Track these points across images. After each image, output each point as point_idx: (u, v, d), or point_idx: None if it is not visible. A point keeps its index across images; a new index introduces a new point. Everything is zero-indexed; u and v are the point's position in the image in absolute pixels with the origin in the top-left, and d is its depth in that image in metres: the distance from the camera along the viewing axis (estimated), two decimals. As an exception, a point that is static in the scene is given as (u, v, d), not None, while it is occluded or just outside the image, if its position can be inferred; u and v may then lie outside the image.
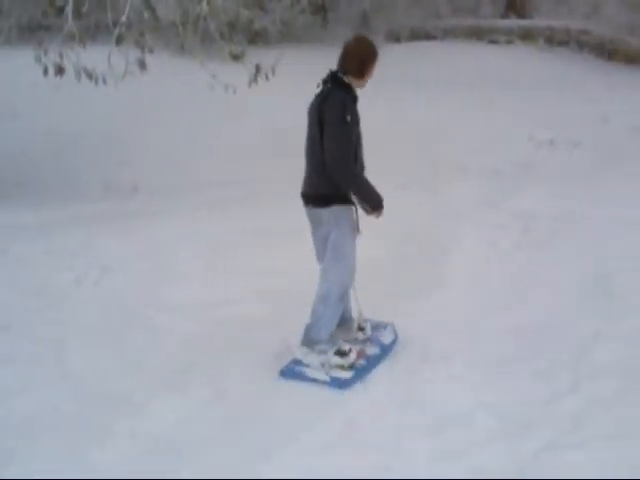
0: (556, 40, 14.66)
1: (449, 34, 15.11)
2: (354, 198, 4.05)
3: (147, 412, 3.98)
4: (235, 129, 9.92)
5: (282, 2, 14.29)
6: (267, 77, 7.00)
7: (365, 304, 4.58)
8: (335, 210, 4.03)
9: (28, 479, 3.43)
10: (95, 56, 6.74)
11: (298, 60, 11.68)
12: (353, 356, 4.18)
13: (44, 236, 6.78)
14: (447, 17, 16.12)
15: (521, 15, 15.85)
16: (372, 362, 4.28)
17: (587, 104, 10.76)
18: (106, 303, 5.40)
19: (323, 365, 4.13)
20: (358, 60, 4.05)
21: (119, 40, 6.66)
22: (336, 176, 3.93)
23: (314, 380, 4.11)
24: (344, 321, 4.43)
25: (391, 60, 13.22)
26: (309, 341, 4.21)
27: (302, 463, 3.53)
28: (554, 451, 3.55)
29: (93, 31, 11.33)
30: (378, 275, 5.56)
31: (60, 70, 6.69)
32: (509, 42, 14.76)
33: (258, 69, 6.95)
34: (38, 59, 6.69)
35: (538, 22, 15.42)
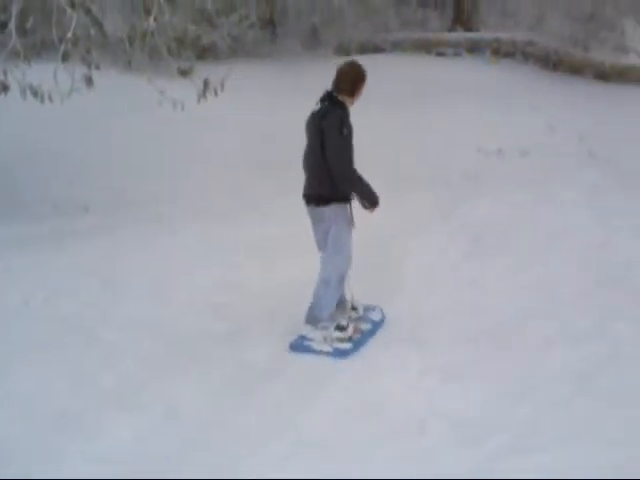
0: (502, 52, 14.92)
1: (398, 47, 15.27)
2: (354, 196, 4.72)
3: (100, 432, 3.92)
4: (184, 144, 9.86)
5: (231, 17, 14.30)
6: (216, 92, 6.96)
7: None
8: (334, 208, 4.69)
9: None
10: (41, 73, 6.65)
11: (248, 75, 11.71)
12: (350, 330, 4.83)
13: (-10, 256, 6.64)
14: (396, 30, 16.28)
15: (468, 28, 16.10)
16: (366, 336, 4.92)
17: (534, 114, 10.96)
18: (56, 322, 5.28)
19: (325, 339, 4.75)
20: (350, 82, 4.68)
21: (65, 57, 6.56)
22: (341, 179, 4.60)
23: (319, 352, 4.69)
24: (340, 302, 5.03)
25: (341, 73, 13.36)
26: (313, 319, 4.83)
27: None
28: (515, 455, 3.60)
29: (38, 48, 11.15)
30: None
31: (4, 88, 6.57)
32: (457, 54, 14.98)
33: (206, 84, 6.91)
34: (-19, 77, 6.57)
35: (485, 34, 15.68)
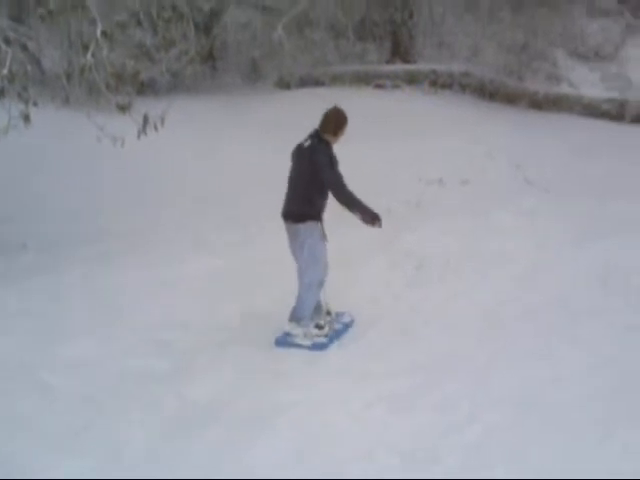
0: (440, 83, 15.21)
1: (337, 80, 15.42)
2: (358, 215, 5.38)
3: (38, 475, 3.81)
4: (124, 179, 9.76)
5: (170, 52, 14.27)
6: (156, 127, 6.94)
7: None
8: (309, 224, 5.45)
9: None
10: (-25, 111, 6.55)
11: (188, 110, 11.68)
12: (327, 329, 5.67)
13: None
14: (335, 64, 16.47)
15: (406, 60, 16.36)
16: (338, 333, 5.73)
17: (472, 143, 11.19)
18: (-6, 365, 5.15)
19: (306, 335, 5.54)
20: (334, 124, 5.55)
21: (1, 94, 6.49)
22: (342, 200, 5.36)
23: (300, 345, 5.46)
24: (317, 307, 5.76)
25: (282, 107, 13.41)
26: (295, 318, 5.57)
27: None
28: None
29: (-26, 85, 10.98)
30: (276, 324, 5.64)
31: (-63, 125, 6.46)
32: (395, 86, 15.20)
33: (146, 120, 6.88)
34: None
35: (422, 66, 15.96)
